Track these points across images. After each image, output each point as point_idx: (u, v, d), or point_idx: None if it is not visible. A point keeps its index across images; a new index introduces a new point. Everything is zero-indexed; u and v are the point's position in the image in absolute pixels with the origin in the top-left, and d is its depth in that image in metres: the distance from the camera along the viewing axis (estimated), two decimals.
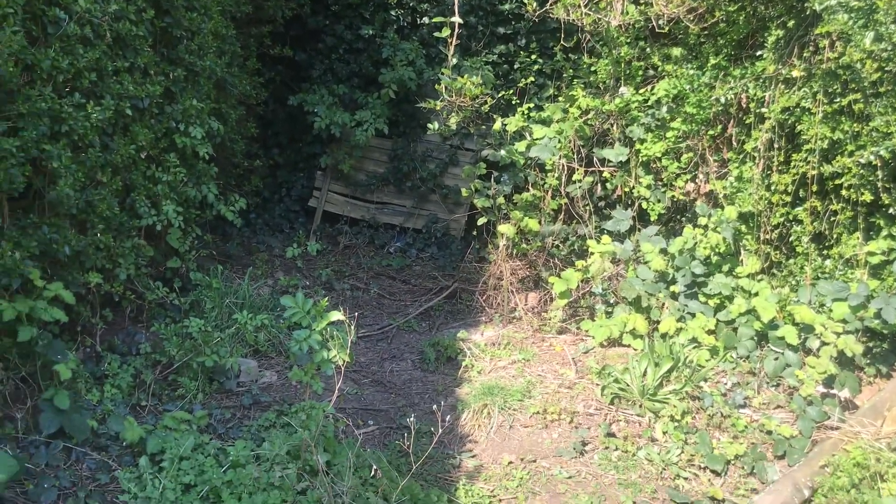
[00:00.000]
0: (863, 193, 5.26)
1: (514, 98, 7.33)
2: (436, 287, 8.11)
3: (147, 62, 5.71)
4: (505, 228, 6.62)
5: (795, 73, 5.47)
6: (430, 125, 6.73)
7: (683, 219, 6.93)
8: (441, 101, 6.38)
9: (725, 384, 5.55)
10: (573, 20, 6.26)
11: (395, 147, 9.52)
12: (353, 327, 3.79)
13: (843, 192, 5.40)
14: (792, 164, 5.67)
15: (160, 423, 4.78)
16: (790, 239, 5.97)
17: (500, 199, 7.11)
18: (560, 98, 7.17)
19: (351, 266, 8.67)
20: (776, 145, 5.77)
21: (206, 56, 6.56)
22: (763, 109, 5.76)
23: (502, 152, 6.60)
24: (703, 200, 6.60)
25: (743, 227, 6.18)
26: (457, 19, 5.91)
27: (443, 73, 6.31)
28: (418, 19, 9.56)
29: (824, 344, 5.30)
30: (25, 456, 4.20)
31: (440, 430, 4.47)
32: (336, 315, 3.85)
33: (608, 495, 4.44)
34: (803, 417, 5.02)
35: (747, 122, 5.98)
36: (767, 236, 6.00)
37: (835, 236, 5.71)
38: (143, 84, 5.68)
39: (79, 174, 5.02)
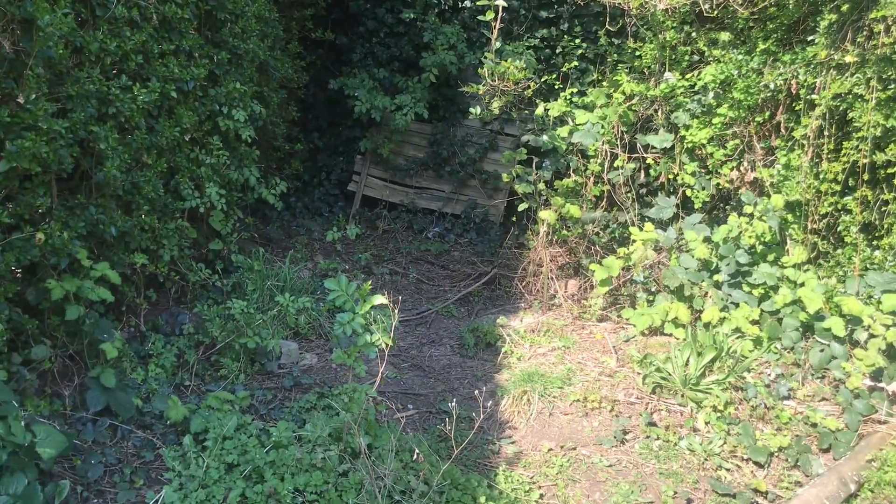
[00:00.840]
0: None
1: (557, 83, 7.24)
2: (474, 273, 8.09)
3: (192, 45, 5.75)
4: (546, 214, 6.57)
5: (848, 59, 5.34)
6: (471, 109, 6.70)
7: (727, 207, 6.82)
8: (484, 85, 6.33)
9: (769, 375, 5.46)
10: (619, 3, 6.16)
11: (434, 132, 9.50)
12: (396, 311, 3.78)
13: None
14: (842, 152, 5.55)
15: (203, 402, 4.83)
16: (838, 228, 5.84)
17: (541, 185, 7.06)
18: (604, 83, 7.08)
19: (390, 250, 8.68)
20: (826, 133, 5.64)
21: (249, 39, 6.59)
22: (813, 96, 5.63)
23: (544, 137, 6.54)
24: (748, 188, 6.49)
25: (789, 216, 6.06)
26: (501, 2, 5.85)
27: (486, 57, 6.26)
28: (460, 3, 9.50)
29: (872, 336, 5.18)
30: (73, 432, 4.27)
31: (481, 416, 4.46)
32: (379, 299, 3.86)
33: (649, 485, 4.40)
34: (850, 410, 4.93)
35: (797, 108, 5.85)
36: (815, 226, 5.88)
37: (885, 226, 5.58)
38: (188, 67, 5.72)
39: (125, 156, 5.08)
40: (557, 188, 7.14)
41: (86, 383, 4.82)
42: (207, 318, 5.68)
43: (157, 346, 5.42)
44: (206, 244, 6.74)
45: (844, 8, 5.38)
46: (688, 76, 6.48)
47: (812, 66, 5.61)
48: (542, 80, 6.69)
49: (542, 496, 4.28)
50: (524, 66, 6.09)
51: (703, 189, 6.51)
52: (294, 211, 9.28)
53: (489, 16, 5.95)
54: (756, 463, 4.61)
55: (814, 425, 4.88)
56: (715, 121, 6.26)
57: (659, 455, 4.67)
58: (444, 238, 9.20)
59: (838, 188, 5.68)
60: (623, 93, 6.68)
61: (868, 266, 5.65)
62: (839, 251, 5.86)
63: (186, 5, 5.55)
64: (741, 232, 6.03)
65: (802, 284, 5.73)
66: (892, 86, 5.12)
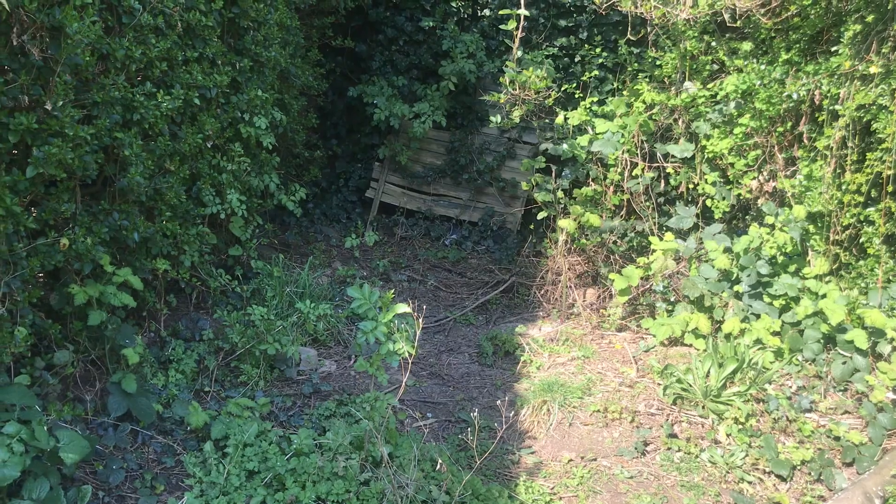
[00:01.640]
0: None
1: (578, 91, 7.23)
2: (492, 280, 8.09)
3: (215, 52, 5.78)
4: (565, 223, 6.55)
5: (873, 70, 5.30)
6: (492, 118, 6.70)
7: (747, 217, 6.78)
8: (504, 94, 6.33)
9: (790, 387, 5.43)
10: (641, 13, 6.14)
11: (452, 139, 9.51)
12: (420, 320, 3.78)
13: None
14: (866, 163, 5.51)
15: (224, 409, 4.85)
16: (861, 240, 5.80)
17: (560, 194, 7.05)
18: (624, 92, 7.06)
19: (407, 257, 8.69)
20: (850, 143, 5.61)
21: (271, 47, 6.62)
22: (837, 106, 5.59)
23: (564, 146, 6.53)
24: (768, 199, 6.45)
25: (811, 227, 6.02)
26: (523, 11, 5.85)
27: (507, 66, 6.25)
28: (479, 11, 9.53)
29: None
30: (95, 437, 4.29)
31: (503, 427, 4.44)
32: (402, 307, 3.85)
33: (670, 497, 4.37)
34: (873, 424, 4.88)
35: (820, 119, 5.82)
36: (837, 237, 5.83)
37: None
38: (211, 74, 5.75)
39: (148, 162, 5.11)
40: (576, 196, 7.12)
41: (107, 388, 4.84)
42: (227, 324, 5.70)
43: (177, 352, 5.44)
44: (226, 250, 6.77)
45: (870, 19, 5.35)
46: (709, 86, 6.45)
47: (836, 76, 5.58)
48: (563, 88, 6.67)
49: None
50: (545, 75, 6.08)
51: (724, 199, 6.48)
52: (312, 217, 9.31)
53: (511, 25, 5.96)
54: (779, 476, 4.57)
55: (837, 439, 4.84)
56: (736, 131, 6.23)
57: (680, 467, 4.64)
58: (462, 245, 9.20)
59: (861, 199, 5.64)
60: (643, 102, 6.66)
61: (891, 278, 5.60)
62: (861, 263, 5.82)
63: (210, 13, 5.58)
64: (762, 243, 6.00)
65: (824, 296, 5.69)
66: None
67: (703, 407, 5.16)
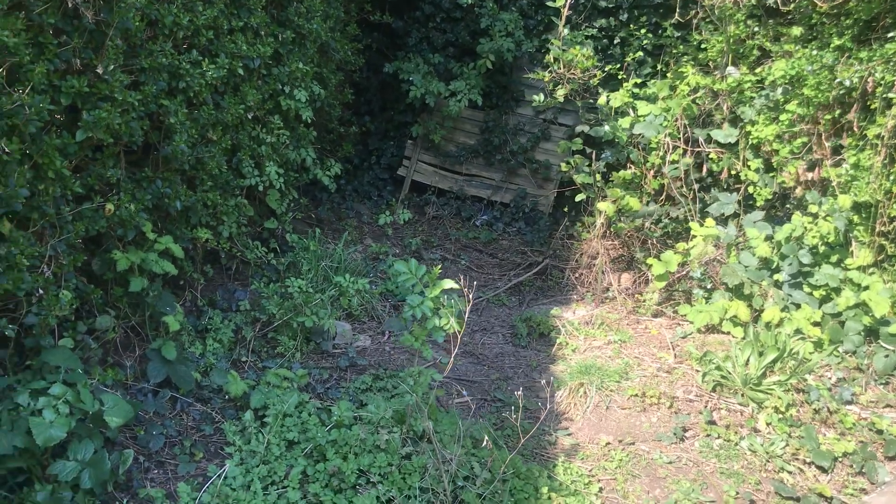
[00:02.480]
0: None
1: (621, 73, 7.13)
2: (524, 262, 8.04)
3: (259, 23, 5.74)
4: (604, 206, 6.49)
5: None
6: (534, 97, 6.62)
7: (786, 206, 6.68)
8: (549, 72, 6.25)
9: (830, 378, 5.37)
10: None
11: (486, 119, 9.43)
12: (470, 296, 3.75)
13: None
14: None
15: (262, 378, 4.86)
16: None
17: (597, 177, 6.97)
18: (668, 74, 6.96)
19: (438, 237, 8.66)
20: None
21: (313, 19, 6.57)
22: (890, 94, 5.48)
23: (606, 128, 6.45)
24: (811, 187, 6.35)
25: (855, 217, 5.92)
26: None
27: (553, 44, 6.17)
28: None
29: None
30: (138, 402, 4.30)
31: (547, 408, 4.42)
32: (449, 283, 3.83)
33: (710, 483, 4.33)
34: None
35: (872, 107, 5.70)
36: (883, 228, 5.73)
37: None
38: (255, 44, 5.72)
39: (192, 131, 5.10)
40: (613, 180, 7.04)
41: (146, 355, 4.86)
42: (265, 296, 5.70)
43: (215, 321, 5.45)
44: (261, 223, 6.77)
45: None
46: (757, 71, 6.34)
47: (891, 63, 5.46)
48: (607, 69, 6.56)
49: (601, 490, 4.24)
50: (591, 54, 5.99)
51: (767, 186, 6.38)
52: (343, 193, 9.28)
53: (559, 2, 5.87)
54: (819, 467, 4.52)
55: (879, 432, 4.77)
56: (782, 117, 6.12)
57: (720, 454, 4.60)
58: (493, 226, 9.15)
59: None
60: (688, 85, 6.56)
61: None
62: None
63: None
64: (805, 231, 5.91)
65: (867, 288, 5.61)
66: None
67: (743, 395, 5.10)
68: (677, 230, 7.27)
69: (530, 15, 9.20)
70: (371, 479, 3.81)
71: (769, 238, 6.10)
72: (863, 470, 4.51)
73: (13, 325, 3.84)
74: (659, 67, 7.51)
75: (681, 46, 7.31)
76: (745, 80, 6.35)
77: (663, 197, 6.71)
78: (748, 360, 5.24)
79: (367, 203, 9.36)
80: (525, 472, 3.97)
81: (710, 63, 6.85)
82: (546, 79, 6.39)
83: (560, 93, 6.44)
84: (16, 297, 3.89)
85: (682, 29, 7.98)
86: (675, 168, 6.66)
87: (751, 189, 6.49)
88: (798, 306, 5.86)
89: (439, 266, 4.08)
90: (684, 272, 6.56)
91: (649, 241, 6.95)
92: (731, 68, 6.81)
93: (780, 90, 6.15)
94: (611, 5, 8.91)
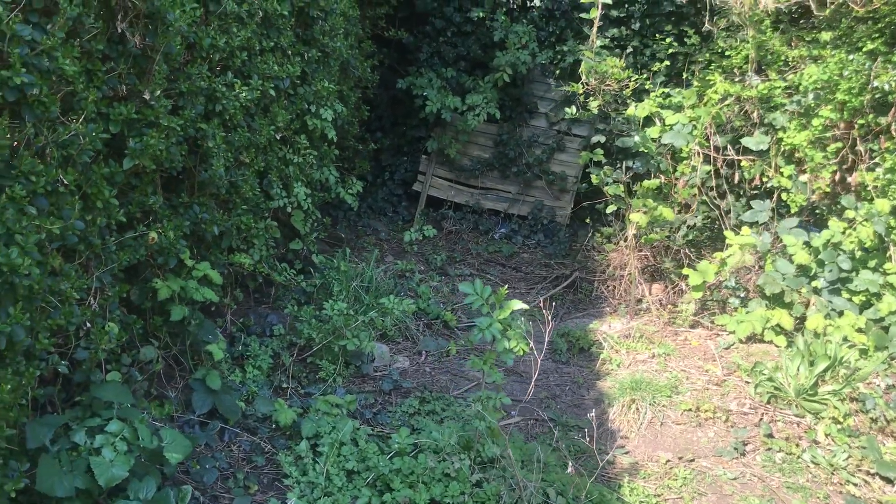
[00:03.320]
0: None
1: (648, 83, 7.08)
2: (549, 275, 7.96)
3: (287, 43, 5.66)
4: (637, 217, 6.41)
5: None
6: (567, 109, 6.54)
7: (816, 212, 6.63)
8: (582, 84, 6.19)
9: (879, 386, 5.29)
10: (722, 1, 5.98)
11: (500, 132, 9.38)
12: (548, 316, 3.65)
13: None
14: None
15: (311, 406, 4.74)
16: None
17: (621, 188, 6.90)
18: (694, 83, 6.91)
19: (460, 251, 8.57)
20: None
21: (336, 37, 6.50)
22: None
23: (636, 138, 6.38)
24: (845, 192, 6.30)
25: (892, 221, 5.87)
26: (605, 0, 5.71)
27: (585, 56, 6.11)
28: (528, 1, 9.38)
29: None
30: (193, 438, 4.18)
31: (600, 426, 4.31)
32: (518, 304, 3.73)
33: (778, 498, 4.25)
34: None
35: None
36: None
37: None
38: (284, 64, 5.63)
39: (228, 154, 5.00)
40: (636, 190, 6.97)
41: (190, 385, 4.74)
42: (303, 319, 5.58)
43: (253, 348, 5.33)
44: (286, 244, 6.66)
45: None
46: (788, 77, 6.30)
47: None
48: (633, 79, 6.52)
49: None
50: (624, 64, 5.93)
51: (801, 193, 6.33)
52: (359, 211, 9.18)
53: (594, 13, 5.81)
54: (885, 478, 4.43)
55: None
56: (815, 122, 6.08)
57: (783, 468, 4.51)
58: (512, 240, 9.08)
59: None
60: (716, 93, 6.51)
61: None
62: None
63: (285, 1, 5.46)
64: (843, 237, 5.86)
65: None
66: None
67: (797, 406, 5.02)
68: (699, 238, 7.22)
69: (541, 26, 9.17)
70: None
71: (807, 245, 6.04)
72: None
73: (65, 361, 3.71)
74: (684, 76, 7.44)
75: (707, 54, 7.26)
76: (775, 87, 6.30)
77: (694, 206, 6.64)
78: (798, 369, 5.16)
79: (382, 220, 9.27)
80: (597, 497, 3.87)
81: (736, 70, 6.80)
82: (580, 91, 6.31)
83: (594, 104, 6.37)
84: (66, 331, 3.77)
85: (700, 36, 7.95)
86: (706, 176, 6.60)
87: (784, 196, 6.43)
88: (840, 313, 5.80)
89: (505, 287, 3.97)
90: (716, 281, 6.49)
91: (680, 251, 6.88)
92: (750, 74, 6.77)
93: (811, 95, 6.10)
94: (623, 15, 8.89)
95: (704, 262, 6.24)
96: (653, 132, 6.48)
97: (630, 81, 6.34)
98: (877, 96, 5.73)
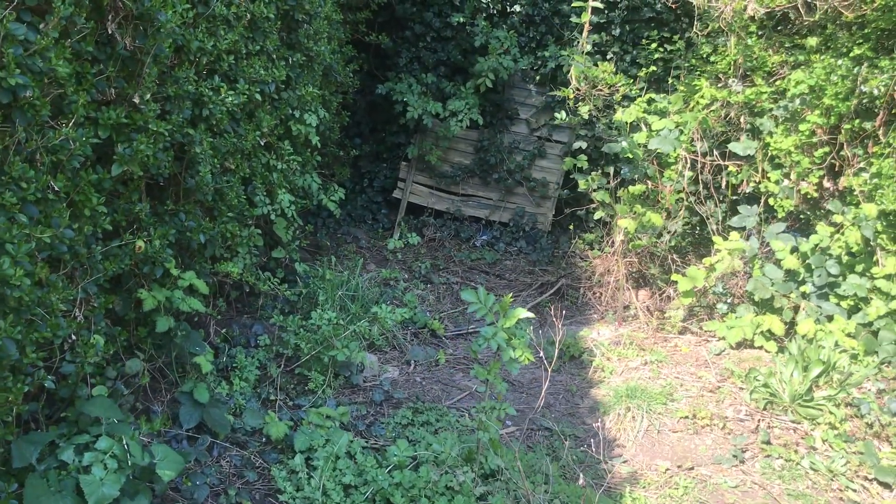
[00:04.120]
0: None
1: (635, 88, 7.06)
2: (535, 282, 7.90)
3: (273, 46, 5.54)
4: (625, 223, 6.38)
5: None
6: (556, 114, 6.49)
7: (803, 216, 6.65)
8: (572, 89, 6.14)
9: (871, 390, 5.30)
10: (707, 7, 5.98)
11: (481, 138, 9.31)
12: (559, 324, 3.57)
13: None
14: None
15: (303, 419, 4.61)
16: None
17: (606, 194, 6.86)
18: (679, 88, 6.90)
19: (442, 259, 8.48)
20: None
21: (320, 41, 6.38)
22: None
23: (623, 144, 6.35)
24: (833, 198, 6.32)
25: (879, 226, 5.90)
26: (596, 3, 5.66)
27: (575, 61, 6.06)
28: (508, 7, 9.34)
29: None
30: (186, 452, 4.03)
31: (596, 435, 4.25)
32: (523, 312, 3.65)
33: None
34: None
35: None
36: None
37: None
38: (270, 68, 5.51)
39: (214, 160, 4.86)
40: (621, 196, 6.94)
41: (177, 398, 4.60)
42: (291, 329, 5.46)
43: (240, 359, 5.19)
44: (268, 252, 6.52)
45: None
46: (776, 82, 6.31)
47: None
48: (623, 84, 6.49)
49: None
50: (614, 69, 5.89)
51: (788, 198, 6.34)
52: (338, 218, 9.05)
53: (585, 17, 5.76)
54: (883, 483, 4.42)
55: None
56: (802, 127, 6.09)
57: (783, 475, 4.48)
58: (494, 247, 9.01)
59: None
60: (702, 98, 6.50)
61: None
62: None
63: (271, 4, 5.34)
64: (831, 242, 5.88)
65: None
66: None
67: (792, 411, 5.00)
68: (682, 244, 7.21)
69: (522, 32, 9.13)
70: None
71: (795, 250, 6.05)
72: None
73: (51, 376, 3.56)
74: (669, 80, 7.43)
75: (692, 59, 7.26)
76: (761, 92, 6.31)
77: (682, 212, 6.62)
78: (792, 375, 5.15)
79: (362, 227, 9.15)
80: None
81: (721, 75, 6.81)
82: (571, 96, 6.26)
83: (584, 109, 6.33)
84: (51, 345, 3.62)
85: (684, 42, 7.96)
86: (692, 181, 6.59)
87: (771, 201, 6.44)
88: (829, 318, 5.81)
89: (510, 295, 3.88)
90: (704, 287, 6.47)
91: (667, 257, 6.85)
92: (733, 80, 6.79)
93: (798, 101, 6.12)
94: (603, 21, 8.87)
95: (693, 267, 6.22)
96: (640, 137, 6.45)
97: (620, 86, 6.30)
98: (864, 101, 5.76)
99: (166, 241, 4.46)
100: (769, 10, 5.90)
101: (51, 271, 3.51)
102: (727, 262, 6.05)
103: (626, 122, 6.53)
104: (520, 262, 8.60)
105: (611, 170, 7.95)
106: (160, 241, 4.36)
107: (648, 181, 6.62)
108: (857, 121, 5.92)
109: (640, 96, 6.80)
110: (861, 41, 5.92)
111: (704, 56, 7.02)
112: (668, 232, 6.73)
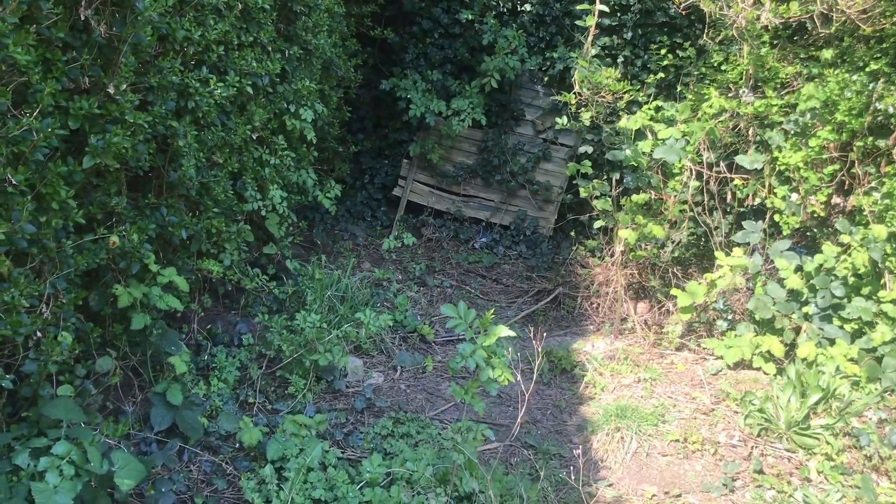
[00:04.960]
0: None
1: (642, 95, 6.85)
2: (531, 289, 7.72)
3: (267, 38, 5.37)
4: (625, 233, 6.18)
5: None
6: (558, 119, 6.28)
7: (807, 234, 6.45)
8: (574, 94, 5.94)
9: (871, 419, 5.10)
10: (720, 15, 5.77)
11: (485, 138, 9.12)
12: (539, 345, 3.39)
13: None
14: None
15: (278, 425, 4.45)
16: None
17: (608, 202, 6.66)
18: (689, 96, 6.69)
19: (439, 260, 8.31)
20: None
21: (319, 34, 6.21)
22: None
23: (627, 152, 6.15)
24: (841, 216, 6.12)
25: (888, 248, 5.69)
26: (602, 6, 5.47)
27: (580, 65, 5.86)
28: (518, 5, 9.14)
29: None
30: (149, 459, 3.88)
31: (582, 455, 4.08)
32: (504, 330, 3.48)
33: None
34: None
35: None
36: None
37: None
38: (263, 61, 5.34)
39: (200, 154, 4.70)
40: (623, 204, 6.73)
41: (149, 399, 4.45)
42: (275, 329, 5.29)
43: (220, 359, 5.04)
44: (259, 248, 6.36)
45: None
46: (787, 96, 6.10)
47: None
48: (627, 91, 6.28)
49: None
50: (621, 75, 5.70)
51: (794, 214, 6.13)
52: (336, 215, 8.89)
53: (591, 21, 5.58)
54: None
55: None
56: (812, 143, 5.88)
57: None
58: (493, 250, 8.83)
59: None
60: (711, 108, 6.29)
61: None
62: None
63: None
64: (837, 262, 5.67)
65: None
66: None
67: (787, 439, 4.81)
68: (684, 256, 7.01)
69: (531, 31, 8.93)
70: None
71: (799, 269, 5.85)
72: None
73: (10, 376, 3.40)
74: (678, 88, 7.23)
75: (702, 68, 7.05)
76: (772, 104, 6.10)
77: (685, 224, 6.42)
78: (789, 400, 4.96)
79: (361, 224, 8.98)
80: None
81: (731, 85, 6.60)
82: (573, 101, 6.07)
83: (586, 116, 6.13)
84: (13, 342, 3.47)
85: (695, 49, 7.76)
86: (696, 193, 6.39)
87: (777, 217, 6.23)
88: (831, 341, 5.61)
89: (492, 311, 3.71)
90: (704, 302, 6.28)
91: (668, 270, 6.66)
92: (744, 90, 6.59)
93: (809, 115, 5.91)
94: (615, 24, 8.67)
95: (693, 282, 6.02)
96: (645, 146, 6.25)
97: (624, 94, 6.10)
98: (878, 118, 5.55)
99: (145, 236, 4.30)
100: (783, 20, 5.68)
101: (15, 266, 3.37)
102: (729, 278, 5.85)
103: (632, 130, 6.32)
104: (518, 266, 8.42)
105: (614, 176, 7.77)
106: (138, 235, 4.20)
107: (652, 191, 6.42)
108: (871, 138, 5.71)
109: (647, 102, 6.59)
110: (879, 56, 5.71)
111: (715, 65, 6.81)
112: (672, 242, 6.53)
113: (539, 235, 9.05)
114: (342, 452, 4.38)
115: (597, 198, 6.43)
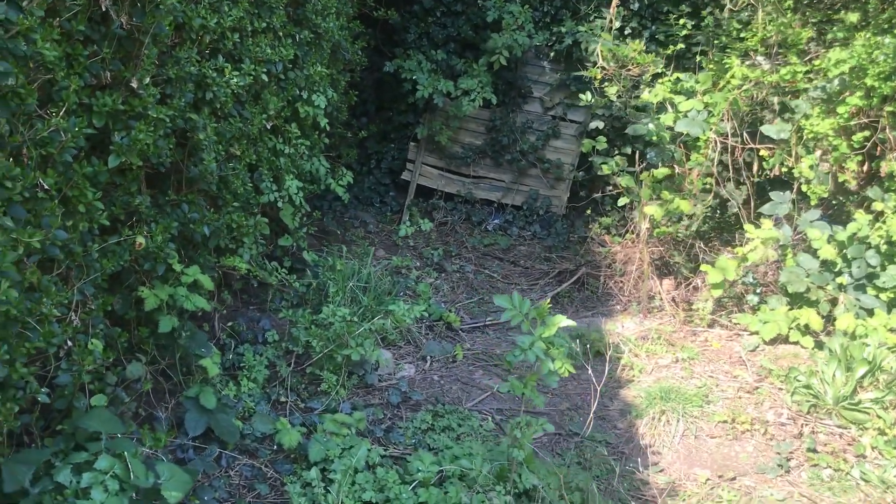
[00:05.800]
0: None
1: (662, 68, 6.67)
2: (552, 269, 7.57)
3: (279, 23, 5.17)
4: (651, 209, 6.03)
5: None
6: (582, 96, 6.10)
7: (836, 203, 6.31)
8: (598, 68, 5.76)
9: None
10: None
11: (493, 117, 8.93)
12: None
13: None
14: None
15: (319, 426, 4.30)
16: None
17: (629, 178, 6.50)
18: (709, 66, 6.52)
19: (453, 244, 8.14)
20: None
21: (328, 17, 6.01)
22: None
23: (650, 126, 5.98)
24: (864, 183, 5.99)
25: None
26: None
27: (603, 38, 5.68)
28: None
29: None
30: (193, 469, 3.72)
31: (630, 441, 3.95)
32: (563, 320, 3.33)
33: None
34: None
35: None
36: None
37: None
38: (276, 47, 5.14)
39: (219, 146, 4.52)
40: (642, 180, 6.57)
41: (182, 404, 4.29)
42: (301, 325, 5.13)
43: (247, 358, 4.88)
44: (275, 241, 6.19)
45: None
46: (814, 61, 5.94)
47: None
48: (654, 62, 6.10)
49: None
50: (643, 48, 5.52)
51: (823, 184, 5.99)
52: (345, 202, 8.70)
53: None
54: None
55: None
56: (840, 110, 5.73)
57: (832, 486, 4.18)
58: (507, 231, 8.67)
59: None
60: (734, 77, 6.12)
61: None
62: None
63: None
64: (870, 230, 5.54)
65: None
66: None
67: (836, 415, 4.70)
68: (703, 229, 6.88)
69: (536, 6, 8.72)
70: None
71: (831, 238, 5.72)
72: None
73: (45, 389, 3.24)
74: (697, 59, 7.04)
75: (722, 37, 6.87)
76: (797, 71, 5.94)
77: (709, 198, 6.27)
78: (834, 375, 4.84)
79: (370, 210, 8.80)
80: None
81: (752, 53, 6.43)
82: (598, 76, 5.89)
83: (611, 91, 5.96)
84: (45, 353, 3.30)
85: (695, 17, 7.56)
86: (720, 166, 6.24)
87: (804, 187, 6.09)
88: (869, 312, 5.48)
89: (548, 301, 3.56)
90: (736, 277, 6.14)
91: (694, 245, 6.52)
92: (760, 58, 6.42)
93: (836, 81, 5.76)
94: None
95: (723, 257, 5.89)
96: (667, 119, 6.09)
97: (651, 66, 5.93)
98: None
99: (168, 235, 4.13)
100: None
101: (43, 273, 3.19)
102: (760, 251, 5.71)
103: (654, 104, 6.15)
104: (535, 247, 8.27)
105: (628, 150, 7.60)
106: (162, 235, 4.03)
107: (675, 165, 6.27)
108: None
109: (664, 75, 6.41)
110: None
111: (734, 33, 6.63)
112: (696, 217, 6.39)
113: (552, 214, 8.90)
114: (385, 450, 4.23)
115: (617, 174, 6.26)
